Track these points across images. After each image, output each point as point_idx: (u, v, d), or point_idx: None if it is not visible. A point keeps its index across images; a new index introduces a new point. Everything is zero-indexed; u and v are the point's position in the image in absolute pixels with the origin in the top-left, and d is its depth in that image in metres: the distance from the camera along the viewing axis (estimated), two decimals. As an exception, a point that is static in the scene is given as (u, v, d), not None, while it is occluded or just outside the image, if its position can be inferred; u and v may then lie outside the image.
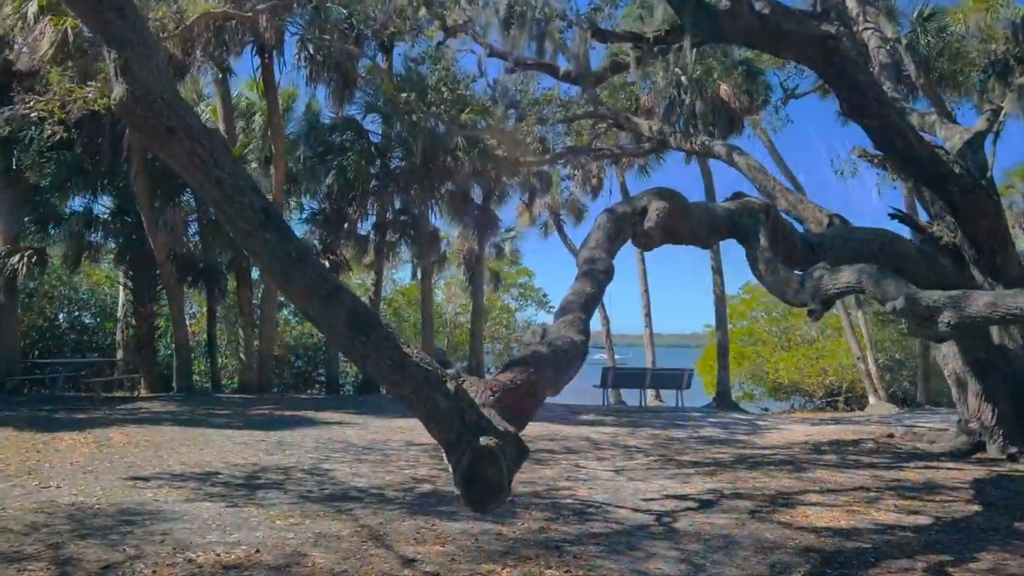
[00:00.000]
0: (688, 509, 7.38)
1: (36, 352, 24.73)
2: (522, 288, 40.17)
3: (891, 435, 13.36)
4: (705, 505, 7.56)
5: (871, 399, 30.44)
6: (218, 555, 5.25)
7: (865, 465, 10.20)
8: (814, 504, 7.61)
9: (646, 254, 28.20)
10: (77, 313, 29.87)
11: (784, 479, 9.06)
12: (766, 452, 11.46)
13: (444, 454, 3.59)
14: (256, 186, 4.00)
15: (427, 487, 8.06)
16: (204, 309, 26.16)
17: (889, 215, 12.31)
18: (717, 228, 6.99)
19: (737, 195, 7.96)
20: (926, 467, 10.07)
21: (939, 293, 4.53)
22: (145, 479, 7.90)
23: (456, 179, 19.65)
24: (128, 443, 10.25)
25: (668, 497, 7.92)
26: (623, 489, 8.28)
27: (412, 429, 12.59)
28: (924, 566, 5.47)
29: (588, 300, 4.93)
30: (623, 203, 6.10)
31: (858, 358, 31.17)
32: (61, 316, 28.16)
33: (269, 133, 19.24)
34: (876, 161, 13.45)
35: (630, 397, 24.37)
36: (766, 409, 35.75)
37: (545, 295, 41.03)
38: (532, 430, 13.63)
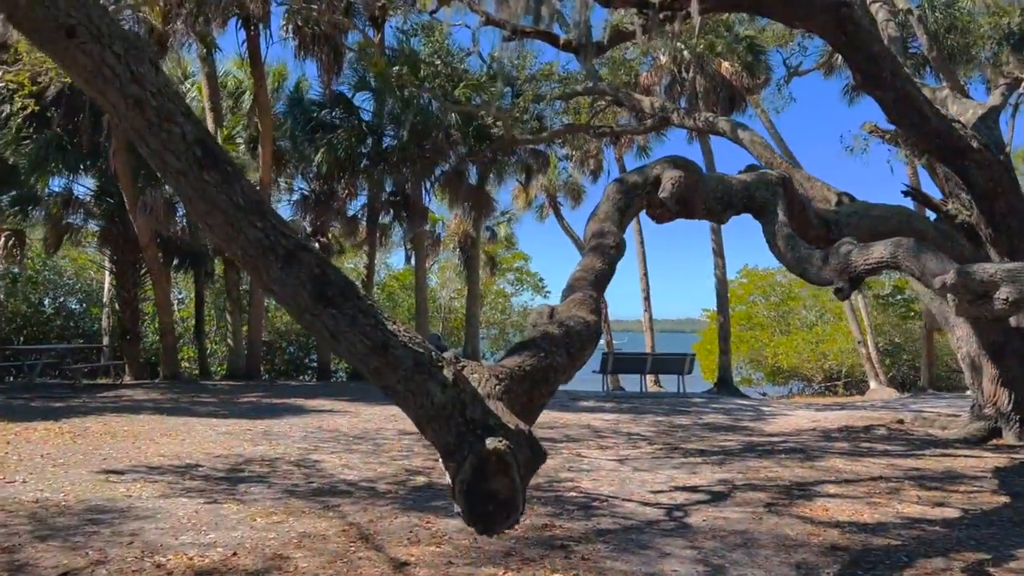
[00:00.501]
0: (700, 502, 6.95)
1: (22, 338, 24.24)
2: (518, 273, 39.69)
3: (901, 421, 12.97)
4: (717, 497, 7.13)
5: (872, 383, 30.21)
6: (190, 558, 4.79)
7: (879, 453, 9.79)
8: (833, 496, 7.19)
9: (645, 236, 27.74)
10: (63, 299, 29.35)
11: (797, 468, 8.64)
12: (774, 439, 11.05)
13: (440, 459, 2.92)
14: (191, 112, 3.12)
15: (421, 479, 7.61)
16: (193, 294, 25.73)
17: (902, 192, 11.87)
18: (732, 202, 6.51)
19: (751, 168, 7.48)
20: (943, 455, 9.67)
21: (994, 266, 4.08)
22: (119, 473, 7.42)
23: (450, 158, 19.07)
24: (105, 433, 9.76)
25: (677, 489, 7.49)
26: (629, 480, 7.84)
27: (404, 419, 12.15)
28: (962, 565, 5.05)
29: (599, 277, 4.45)
30: (634, 172, 5.62)
31: (859, 342, 30.91)
32: (46, 302, 27.64)
33: (256, 111, 18.60)
34: (888, 137, 12.98)
35: (628, 383, 23.99)
36: (764, 394, 35.53)
37: (542, 280, 40.63)
38: (530, 417, 13.22)
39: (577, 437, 10.84)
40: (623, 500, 6.92)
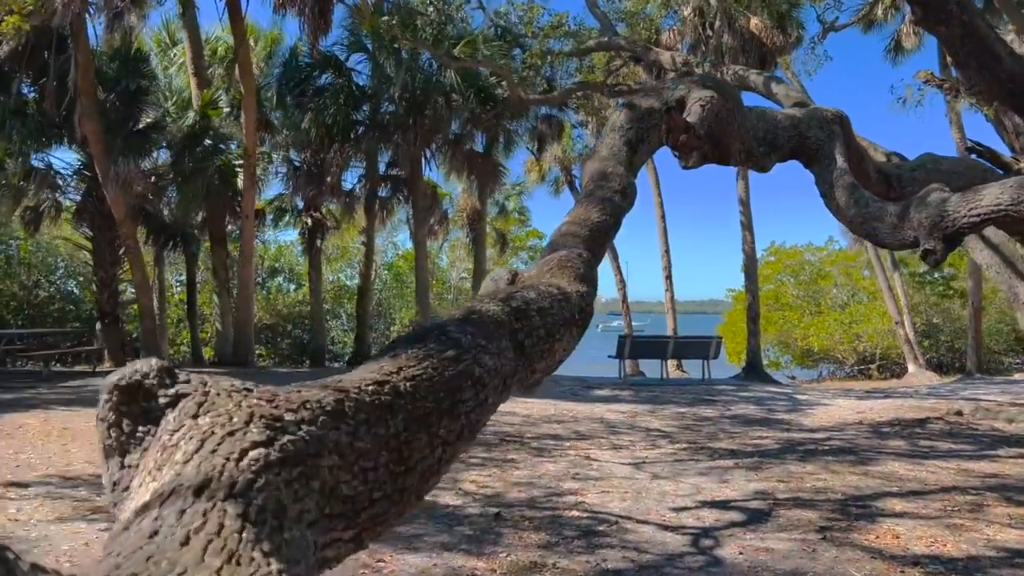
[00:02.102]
0: (734, 524, 5.63)
1: (20, 322, 23.38)
2: (532, 252, 38.22)
3: (959, 412, 11.54)
4: (755, 517, 5.79)
5: (910, 367, 28.71)
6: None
7: (944, 454, 8.40)
8: (900, 515, 5.84)
9: (667, 209, 26.20)
10: (59, 281, 28.48)
11: (849, 475, 7.29)
12: (816, 436, 9.68)
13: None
14: None
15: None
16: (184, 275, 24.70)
17: (967, 148, 10.35)
18: (778, 142, 5.12)
19: (799, 103, 6.07)
20: (1020, 455, 8.27)
21: None
22: (24, 485, 6.21)
23: (453, 125, 17.64)
24: (39, 433, 8.57)
25: (705, 505, 6.17)
26: (646, 493, 6.53)
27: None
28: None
29: (595, 231, 3.12)
30: (649, 94, 4.26)
31: (896, 323, 29.37)
32: (43, 284, 26.82)
33: (236, 72, 17.30)
34: (947, 86, 11.45)
35: (649, 368, 22.60)
36: (793, 377, 34.13)
37: (556, 258, 39.14)
38: (537, 409, 12.01)
39: (587, 434, 9.53)
40: (637, 522, 5.61)
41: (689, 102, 4.02)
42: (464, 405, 1.31)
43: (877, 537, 5.25)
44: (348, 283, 34.00)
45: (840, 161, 5.21)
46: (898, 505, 6.17)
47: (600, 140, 4.09)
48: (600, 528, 5.42)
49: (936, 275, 36.92)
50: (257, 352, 28.16)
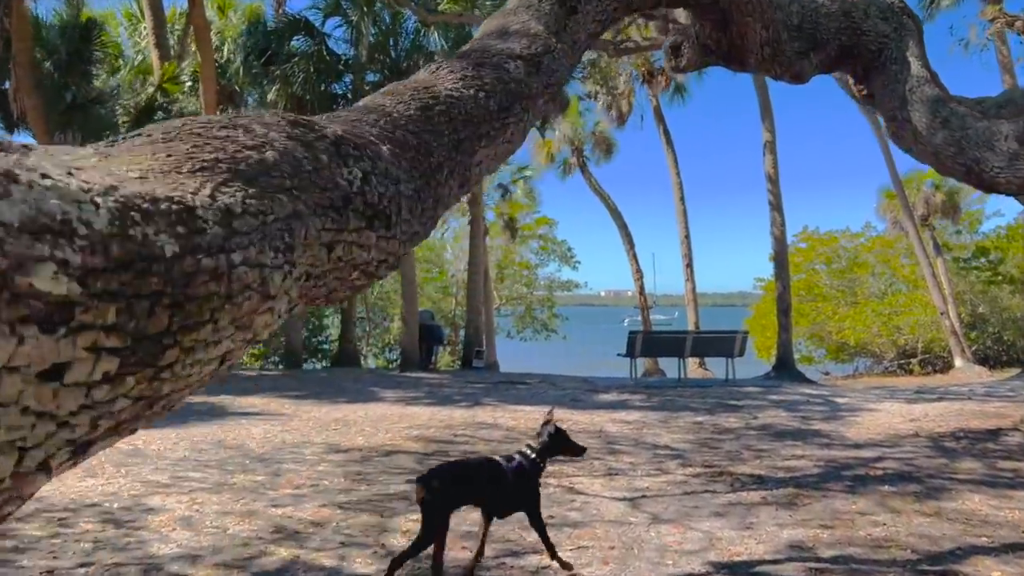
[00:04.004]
0: (760, 606, 3.96)
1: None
2: (543, 240, 36.48)
3: (1037, 420, 9.75)
4: (792, 593, 4.12)
5: (957, 361, 26.84)
6: None
7: (1035, 480, 6.66)
8: (1002, 588, 4.14)
9: (686, 191, 24.37)
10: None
11: (915, 515, 5.58)
12: (865, 454, 7.95)
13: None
14: None
15: (284, 552, 4.72)
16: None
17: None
18: (819, 36, 3.42)
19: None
20: None
21: None
22: None
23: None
24: None
25: (722, 568, 4.50)
26: (639, 547, 4.87)
27: (349, 426, 9.34)
28: None
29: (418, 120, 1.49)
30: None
31: (941, 313, 27.44)
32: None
33: (190, 38, 15.77)
34: (1019, 24, 9.64)
35: (670, 366, 20.85)
36: (827, 373, 32.26)
37: (570, 248, 37.36)
38: (524, 420, 10.37)
39: (579, 453, 7.85)
40: (619, 604, 3.95)
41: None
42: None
43: (976, 632, 3.57)
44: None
45: (916, 66, 3.51)
46: (993, 568, 4.47)
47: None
48: (562, 617, 3.78)
49: (983, 260, 34.89)
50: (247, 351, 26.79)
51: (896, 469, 7.15)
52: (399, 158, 1.75)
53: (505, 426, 9.59)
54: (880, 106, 3.71)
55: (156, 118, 15.63)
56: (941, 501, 5.97)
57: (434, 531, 3.91)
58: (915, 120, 3.46)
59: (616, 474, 7.05)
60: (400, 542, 4.89)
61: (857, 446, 8.47)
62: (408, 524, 5.25)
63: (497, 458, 4.30)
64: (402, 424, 9.59)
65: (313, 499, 5.94)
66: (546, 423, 4.41)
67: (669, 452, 8.10)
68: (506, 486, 4.14)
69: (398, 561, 3.92)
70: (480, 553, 4.25)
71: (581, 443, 4.69)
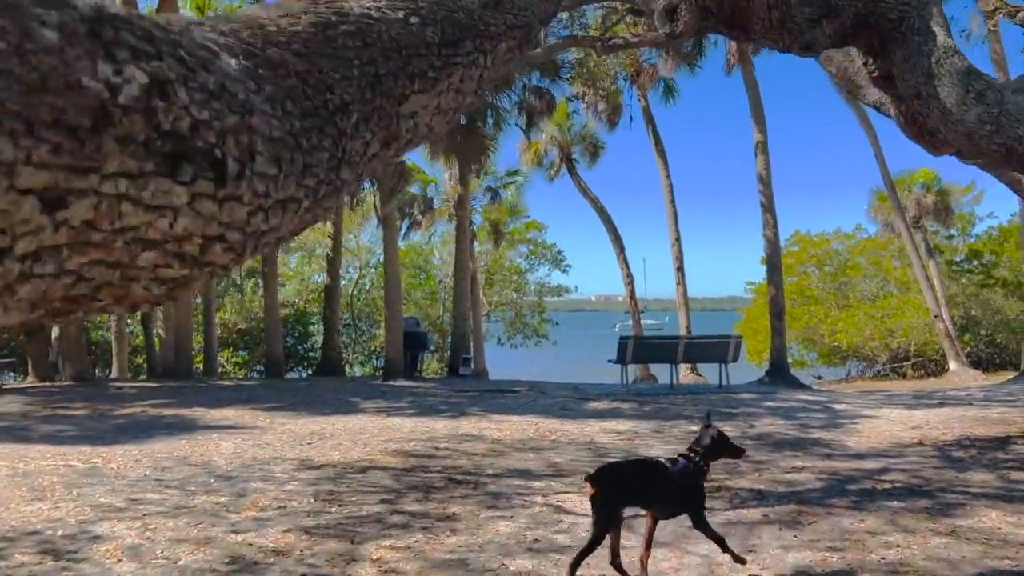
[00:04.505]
0: (768, 646, 3.54)
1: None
2: (533, 244, 36.05)
3: (1044, 427, 9.41)
4: (803, 629, 3.70)
5: (952, 364, 26.54)
6: None
7: (1052, 493, 6.27)
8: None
9: (676, 193, 24.02)
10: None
11: (930, 534, 5.18)
12: (869, 466, 7.55)
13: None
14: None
15: (238, 587, 4.26)
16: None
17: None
18: (833, 1, 3.01)
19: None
20: None
21: None
22: None
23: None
24: None
25: (721, 601, 4.08)
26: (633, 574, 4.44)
27: (325, 439, 8.88)
28: None
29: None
30: None
31: (935, 316, 27.15)
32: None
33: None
34: (1020, 14, 9.32)
35: (662, 373, 20.45)
36: (819, 377, 32.00)
37: (560, 252, 36.95)
38: (511, 431, 9.94)
39: (567, 468, 7.41)
40: (609, 648, 3.52)
41: None
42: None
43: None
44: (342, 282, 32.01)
45: (942, 36, 3.11)
46: (1022, 596, 4.06)
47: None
48: (545, 664, 3.34)
49: (975, 263, 34.76)
50: (234, 360, 26.22)
51: (904, 482, 6.75)
52: (260, 81, 1.21)
53: (490, 438, 9.14)
54: (901, 83, 3.30)
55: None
56: (956, 518, 5.57)
57: (606, 529, 4.05)
58: (943, 96, 3.07)
59: (606, 490, 6.61)
60: (370, 572, 4.45)
61: (859, 456, 8.08)
62: (379, 551, 4.81)
63: (662, 460, 4.44)
64: (381, 437, 9.13)
65: (278, 523, 5.48)
66: (706, 426, 4.49)
67: (662, 465, 7.68)
68: (672, 488, 4.23)
69: (576, 562, 4.03)
70: (647, 552, 4.34)
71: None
